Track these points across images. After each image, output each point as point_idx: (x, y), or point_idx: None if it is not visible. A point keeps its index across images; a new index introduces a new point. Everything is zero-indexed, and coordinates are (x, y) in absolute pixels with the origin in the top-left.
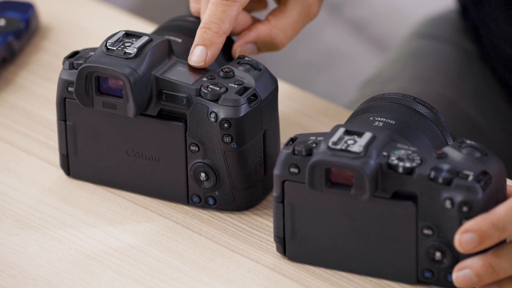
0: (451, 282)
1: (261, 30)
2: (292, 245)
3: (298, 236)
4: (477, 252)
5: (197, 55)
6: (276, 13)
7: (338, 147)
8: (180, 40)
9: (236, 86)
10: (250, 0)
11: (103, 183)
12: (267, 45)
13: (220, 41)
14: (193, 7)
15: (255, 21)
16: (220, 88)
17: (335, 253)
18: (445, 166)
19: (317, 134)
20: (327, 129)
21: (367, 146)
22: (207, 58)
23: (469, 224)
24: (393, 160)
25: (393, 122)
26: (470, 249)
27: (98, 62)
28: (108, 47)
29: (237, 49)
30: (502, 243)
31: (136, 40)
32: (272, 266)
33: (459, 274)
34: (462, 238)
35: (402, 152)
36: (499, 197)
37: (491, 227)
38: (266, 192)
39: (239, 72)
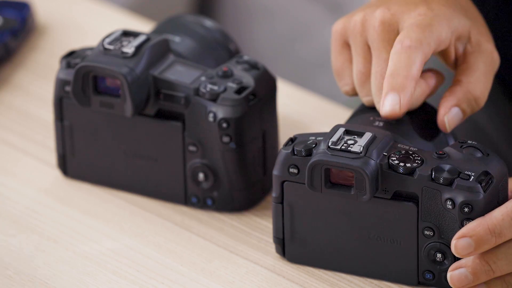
0: None
1: (458, 91)
2: (291, 246)
3: (298, 237)
4: None
5: (389, 103)
6: (463, 71)
7: (338, 147)
8: (178, 39)
9: (234, 85)
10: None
11: (101, 184)
12: (470, 102)
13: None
14: (337, 60)
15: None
16: (219, 87)
17: (335, 255)
18: (446, 167)
19: (316, 134)
20: (327, 129)
21: (367, 146)
22: (401, 105)
23: (465, 229)
24: (394, 160)
25: (394, 122)
26: (467, 254)
27: (95, 61)
28: (106, 46)
29: (444, 118)
30: None
31: (133, 39)
32: (271, 268)
33: (454, 273)
34: (458, 244)
35: (403, 152)
36: (501, 198)
37: (488, 232)
38: (265, 193)
39: (238, 71)
